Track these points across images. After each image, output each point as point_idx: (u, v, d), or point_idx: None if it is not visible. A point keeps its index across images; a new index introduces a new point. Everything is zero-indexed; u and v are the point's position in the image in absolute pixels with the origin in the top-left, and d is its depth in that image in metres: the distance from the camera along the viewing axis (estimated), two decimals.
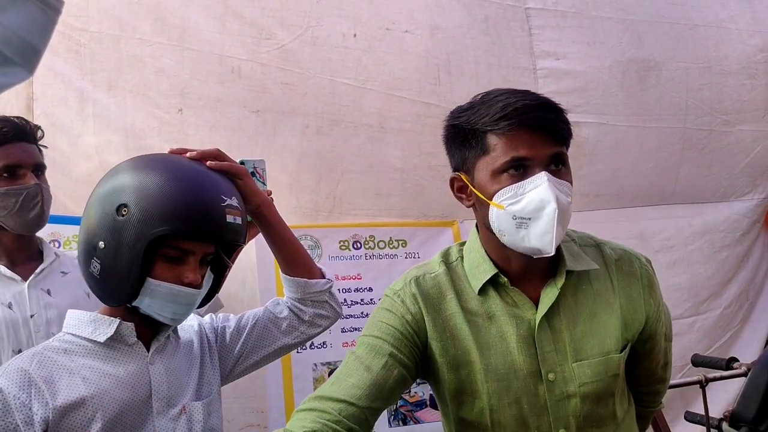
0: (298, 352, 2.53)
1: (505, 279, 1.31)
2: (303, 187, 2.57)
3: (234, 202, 1.24)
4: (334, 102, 2.53)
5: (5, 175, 1.72)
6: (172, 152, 1.32)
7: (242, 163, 1.59)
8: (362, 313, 2.68)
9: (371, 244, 2.74)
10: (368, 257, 2.74)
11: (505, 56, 2.72)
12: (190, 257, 1.21)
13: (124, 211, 1.17)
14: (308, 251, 2.57)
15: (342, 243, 2.70)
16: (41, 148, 1.83)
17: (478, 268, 1.34)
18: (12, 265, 1.79)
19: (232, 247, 1.32)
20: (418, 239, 2.80)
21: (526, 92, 1.26)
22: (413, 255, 2.80)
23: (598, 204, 2.95)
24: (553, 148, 1.21)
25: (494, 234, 1.26)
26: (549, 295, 1.30)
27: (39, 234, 1.88)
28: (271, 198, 1.65)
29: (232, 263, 1.83)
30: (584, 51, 2.84)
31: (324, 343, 2.58)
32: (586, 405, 1.30)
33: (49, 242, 2.03)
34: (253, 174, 1.57)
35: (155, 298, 1.20)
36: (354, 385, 1.28)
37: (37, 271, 1.79)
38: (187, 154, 1.30)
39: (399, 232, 2.79)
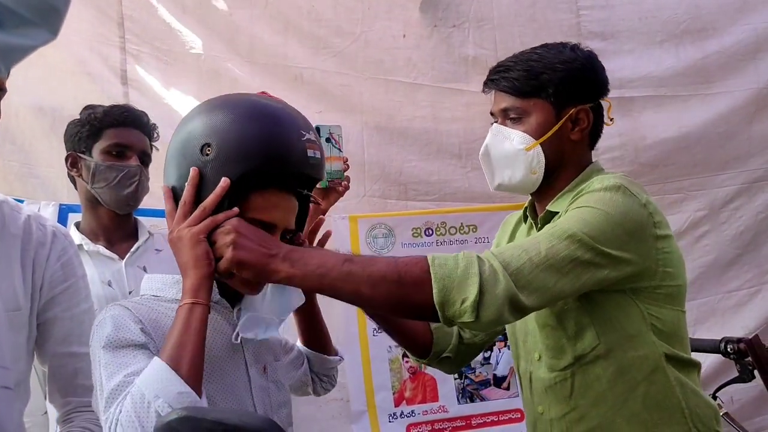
0: (374, 335, 2.65)
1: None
2: (369, 177, 2.77)
3: (312, 136, 1.16)
4: (388, 99, 2.75)
5: (113, 153, 1.84)
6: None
7: (318, 128, 1.46)
8: None
9: (442, 230, 2.79)
10: (439, 243, 2.78)
11: (552, 40, 2.76)
12: (275, 231, 1.16)
13: (208, 150, 1.12)
14: (382, 239, 2.76)
15: (414, 230, 2.77)
16: (153, 145, 1.95)
17: None
18: (109, 245, 1.90)
19: (312, 182, 1.24)
20: (488, 224, 2.79)
21: (514, 55, 1.49)
22: (483, 240, 2.80)
23: (667, 174, 2.91)
24: (502, 104, 1.43)
25: None
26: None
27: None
28: (347, 166, 1.58)
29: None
30: (635, 27, 2.86)
31: None
32: None
33: None
34: (328, 140, 1.48)
35: None
36: None
37: (133, 249, 1.91)
38: None
39: (470, 218, 2.82)
